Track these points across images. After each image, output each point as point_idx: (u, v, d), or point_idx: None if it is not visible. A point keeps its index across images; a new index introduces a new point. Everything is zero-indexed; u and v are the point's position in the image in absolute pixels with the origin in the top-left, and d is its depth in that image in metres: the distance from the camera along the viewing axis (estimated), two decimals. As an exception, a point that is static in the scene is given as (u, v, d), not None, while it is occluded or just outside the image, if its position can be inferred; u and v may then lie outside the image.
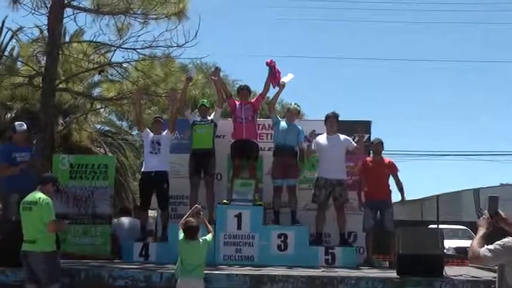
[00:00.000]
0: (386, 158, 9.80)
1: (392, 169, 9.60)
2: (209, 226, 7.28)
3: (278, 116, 10.07)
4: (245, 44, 57.76)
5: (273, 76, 9.75)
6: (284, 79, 9.90)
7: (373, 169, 9.43)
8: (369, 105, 53.74)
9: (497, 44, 57.17)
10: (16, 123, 9.22)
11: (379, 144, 9.58)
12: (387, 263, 9.30)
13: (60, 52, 10.66)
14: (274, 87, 9.88)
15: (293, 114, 9.77)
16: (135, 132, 25.06)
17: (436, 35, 58.19)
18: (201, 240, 6.84)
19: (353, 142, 9.52)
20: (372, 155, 9.71)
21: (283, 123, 9.66)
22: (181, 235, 6.80)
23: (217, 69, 10.08)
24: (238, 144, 9.68)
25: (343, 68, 60.02)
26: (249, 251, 8.99)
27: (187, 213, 7.22)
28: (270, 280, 7.33)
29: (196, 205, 7.59)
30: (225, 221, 9.07)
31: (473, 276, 7.40)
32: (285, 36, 57.72)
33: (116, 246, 9.88)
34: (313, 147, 9.47)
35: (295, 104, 9.93)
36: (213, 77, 10.24)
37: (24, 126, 9.19)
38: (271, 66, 9.76)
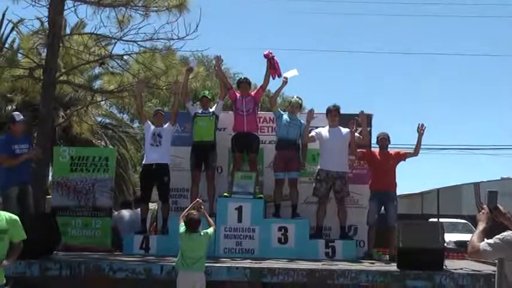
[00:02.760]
0: (393, 150, 9.80)
1: (401, 156, 9.58)
2: (210, 220, 7.28)
3: (280, 110, 10.05)
4: (246, 37, 57.70)
5: (273, 68, 9.73)
6: (287, 74, 9.86)
7: (379, 161, 9.40)
8: (369, 98, 53.73)
9: (497, 39, 57.06)
10: (14, 113, 9.15)
11: (385, 138, 9.55)
12: (387, 256, 9.30)
13: (61, 44, 10.67)
14: (274, 79, 9.86)
15: (295, 107, 9.76)
16: (136, 124, 25.12)
17: (440, 28, 58.11)
18: (202, 233, 6.85)
19: (356, 133, 9.49)
20: (378, 149, 9.65)
21: (285, 117, 9.64)
22: (182, 228, 6.81)
23: (219, 59, 10.01)
24: (239, 136, 9.68)
25: (343, 60, 59.97)
26: (249, 243, 8.99)
27: (189, 207, 7.23)
28: (270, 273, 7.33)
29: (197, 199, 7.59)
30: (226, 213, 9.06)
31: (473, 270, 7.40)
32: (286, 30, 57.63)
33: (116, 239, 9.89)
34: (314, 136, 9.47)
35: (297, 97, 9.91)
36: (216, 68, 10.24)
37: (22, 118, 9.09)
38: (269, 58, 9.74)
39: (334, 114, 9.51)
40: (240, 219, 9.03)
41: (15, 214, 5.49)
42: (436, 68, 57.30)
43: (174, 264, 6.94)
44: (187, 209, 7.14)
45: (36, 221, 8.19)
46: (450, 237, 15.62)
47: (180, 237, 6.81)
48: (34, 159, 9.22)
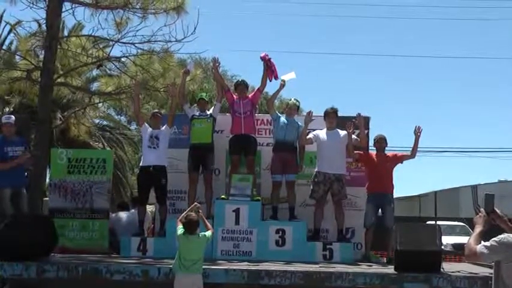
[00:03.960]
0: (390, 153, 9.81)
1: (398, 158, 9.59)
2: (208, 224, 7.25)
3: (277, 112, 10.05)
4: (244, 39, 57.73)
5: (270, 70, 9.73)
6: (284, 77, 9.85)
7: (377, 164, 9.41)
8: (366, 101, 53.81)
9: (497, 40, 57.17)
10: (4, 116, 9.19)
11: (382, 140, 9.56)
12: (385, 259, 9.30)
13: (59, 46, 10.66)
14: (270, 81, 9.85)
15: (292, 109, 9.76)
16: (133, 126, 25.14)
17: (437, 30, 58.20)
18: (200, 235, 6.84)
19: (353, 135, 9.49)
20: (375, 151, 9.65)
21: (282, 119, 9.64)
22: (180, 230, 6.80)
23: (216, 61, 10.02)
24: (237, 139, 9.67)
25: (340, 63, 60.05)
26: (246, 246, 8.98)
27: (187, 210, 7.21)
28: (268, 275, 7.32)
29: (195, 203, 7.55)
30: (223, 216, 9.05)
31: (470, 273, 7.40)
32: (285, 31, 57.68)
33: (113, 241, 9.88)
34: (312, 138, 9.47)
35: (294, 99, 9.91)
36: (213, 70, 10.25)
37: (12, 119, 9.08)
38: (266, 60, 9.74)
39: (331, 117, 9.51)
40: (237, 222, 9.02)
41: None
42: (434, 70, 57.44)
43: (171, 266, 6.94)
44: (185, 212, 7.13)
45: (33, 223, 8.20)
46: (448, 240, 15.66)
47: (178, 239, 6.80)
48: (26, 164, 9.22)
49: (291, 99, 9.99)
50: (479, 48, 57.74)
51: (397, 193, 9.89)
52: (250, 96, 9.91)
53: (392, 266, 7.59)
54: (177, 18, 10.60)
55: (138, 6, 10.68)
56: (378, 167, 9.40)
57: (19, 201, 8.82)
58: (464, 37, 59.27)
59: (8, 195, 8.64)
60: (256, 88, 10.08)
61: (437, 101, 60.79)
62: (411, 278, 7.21)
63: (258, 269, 7.53)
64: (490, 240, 4.46)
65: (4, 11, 19.09)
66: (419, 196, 33.13)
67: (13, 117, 9.21)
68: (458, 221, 21.23)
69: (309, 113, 9.52)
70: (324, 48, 60.71)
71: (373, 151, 9.71)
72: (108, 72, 12.82)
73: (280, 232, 9.00)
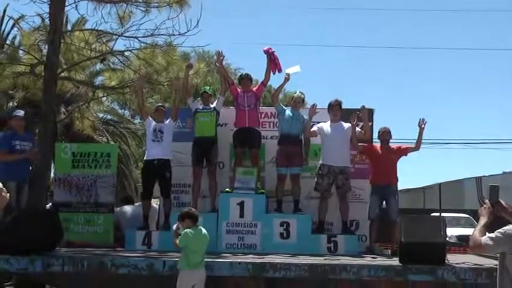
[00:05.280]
0: (394, 145, 9.79)
1: (402, 151, 9.57)
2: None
3: (282, 105, 10.04)
4: (247, 32, 57.66)
5: (273, 63, 9.73)
6: (289, 70, 9.85)
7: (381, 156, 9.39)
8: (370, 92, 53.74)
9: (503, 32, 57.00)
10: (16, 110, 9.24)
11: (386, 132, 9.55)
12: (389, 251, 9.31)
13: (62, 41, 10.64)
14: (274, 74, 9.86)
15: (297, 102, 9.75)
16: (137, 120, 25.15)
17: (440, 21, 58.03)
18: (203, 232, 6.87)
19: (357, 128, 9.48)
20: (379, 144, 9.64)
21: (288, 112, 9.64)
22: (184, 234, 6.75)
23: (220, 54, 10.04)
24: (241, 132, 9.69)
25: (343, 55, 59.95)
26: (251, 239, 9.00)
27: (174, 235, 7.04)
28: (272, 268, 7.34)
29: (176, 224, 7.20)
30: (228, 209, 9.08)
31: (475, 264, 7.40)
32: (288, 25, 57.57)
33: (118, 235, 9.91)
34: (316, 131, 9.47)
35: (299, 92, 9.91)
36: (217, 64, 10.26)
37: (21, 113, 9.18)
38: (269, 53, 9.74)
39: (336, 109, 9.51)
40: (242, 215, 9.04)
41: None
42: (438, 62, 57.32)
43: (177, 259, 6.95)
44: (175, 234, 7.00)
45: (38, 217, 8.22)
46: (452, 232, 15.62)
47: (185, 240, 6.71)
48: (32, 160, 9.25)
49: (296, 92, 9.98)
50: (485, 39, 57.60)
51: (401, 185, 9.89)
52: (254, 89, 9.91)
53: (397, 258, 7.59)
54: (180, 11, 10.56)
55: (141, 0, 10.66)
56: (382, 159, 9.39)
57: (20, 197, 8.86)
58: (469, 29, 59.11)
59: (14, 188, 8.68)
60: (260, 81, 10.09)
61: (441, 93, 60.67)
62: (416, 270, 7.22)
63: (262, 261, 7.55)
64: (495, 232, 4.46)
65: (7, 6, 19.05)
66: (423, 188, 33.06)
67: (22, 111, 9.27)
68: (462, 213, 21.19)
69: (313, 106, 9.52)
70: (327, 41, 60.61)
71: (377, 143, 9.70)
72: (112, 66, 12.80)
73: (285, 225, 9.02)
